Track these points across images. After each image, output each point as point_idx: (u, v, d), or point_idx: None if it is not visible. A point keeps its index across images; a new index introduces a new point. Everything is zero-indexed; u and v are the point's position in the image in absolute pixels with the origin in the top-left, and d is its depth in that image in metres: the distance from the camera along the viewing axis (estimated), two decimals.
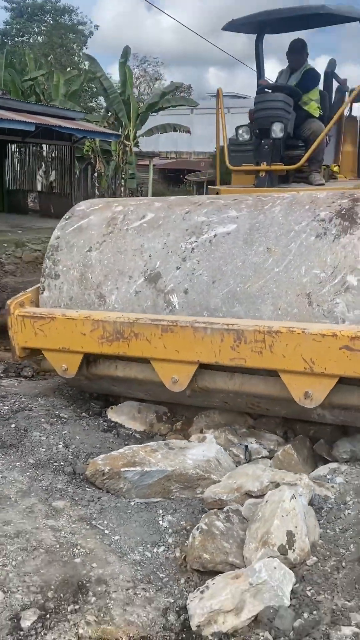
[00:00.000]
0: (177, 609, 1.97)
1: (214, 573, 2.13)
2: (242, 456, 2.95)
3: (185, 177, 29.85)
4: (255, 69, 5.55)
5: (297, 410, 2.81)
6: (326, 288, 2.65)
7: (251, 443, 3.03)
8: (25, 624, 1.76)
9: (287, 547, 2.08)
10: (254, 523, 2.21)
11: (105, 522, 2.41)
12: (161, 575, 2.16)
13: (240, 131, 4.62)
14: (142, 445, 2.87)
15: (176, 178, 31.22)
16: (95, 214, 3.40)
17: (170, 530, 2.40)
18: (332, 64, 5.31)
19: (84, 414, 3.44)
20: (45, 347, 3.12)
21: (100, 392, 3.62)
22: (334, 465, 2.82)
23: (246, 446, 2.99)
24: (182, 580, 2.14)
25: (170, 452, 2.80)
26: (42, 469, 2.75)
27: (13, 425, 3.07)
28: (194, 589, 2.06)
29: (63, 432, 3.08)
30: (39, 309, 3.20)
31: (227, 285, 2.85)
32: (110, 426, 3.32)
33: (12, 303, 3.21)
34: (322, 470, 2.77)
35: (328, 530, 2.28)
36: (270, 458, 2.96)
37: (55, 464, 2.82)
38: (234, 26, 5.28)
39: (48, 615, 1.81)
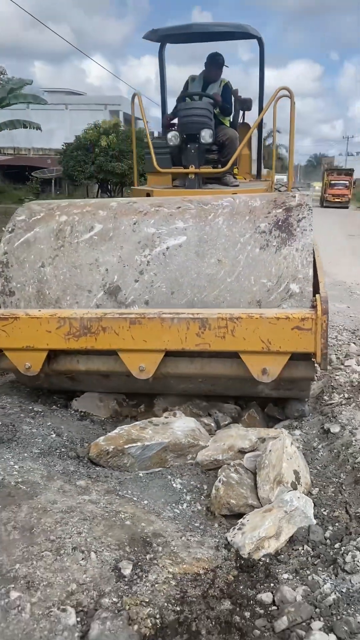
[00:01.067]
0: (223, 545, 2.33)
1: (237, 516, 2.53)
2: (212, 424, 3.36)
3: (31, 174, 28.88)
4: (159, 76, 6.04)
5: (250, 388, 3.27)
6: (273, 295, 2.98)
7: (216, 413, 3.46)
8: (126, 572, 1.98)
9: (296, 483, 2.57)
10: (262, 470, 2.66)
11: (129, 491, 2.65)
12: (196, 524, 2.49)
13: (169, 136, 4.86)
14: (131, 425, 3.11)
15: (17, 175, 30.03)
16: (39, 226, 3.39)
17: (185, 490, 2.73)
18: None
19: (54, 406, 3.53)
20: (8, 346, 3.11)
21: (57, 388, 3.67)
22: (286, 422, 3.40)
23: (215, 415, 3.41)
24: (215, 525, 2.50)
25: (158, 428, 3.10)
26: (49, 456, 2.85)
27: (0, 423, 3.07)
28: (228, 529, 2.43)
29: (48, 424, 3.17)
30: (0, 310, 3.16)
31: (185, 296, 3.07)
32: (82, 415, 3.48)
33: None
34: (281, 425, 3.33)
35: (311, 469, 2.82)
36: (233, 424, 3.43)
37: (57, 451, 2.93)
38: (156, 35, 5.55)
39: (139, 563, 2.05)
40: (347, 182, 40.74)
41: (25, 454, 2.83)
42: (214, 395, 3.55)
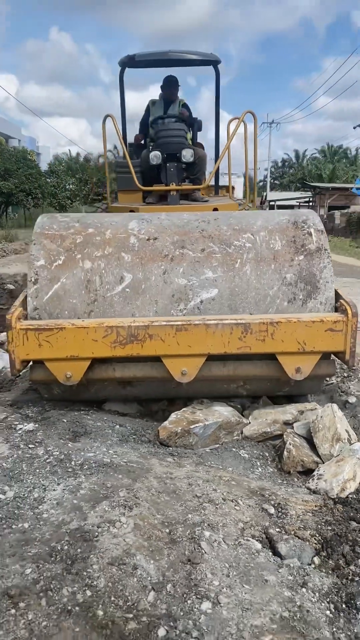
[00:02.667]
0: (311, 491, 2.80)
1: (304, 472, 3.02)
2: (239, 407, 3.79)
3: None
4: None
5: (277, 387, 3.50)
6: None
7: (234, 401, 3.88)
8: (272, 511, 2.38)
9: (350, 438, 3.13)
10: (318, 432, 3.18)
11: (212, 462, 3.02)
12: (279, 480, 2.94)
13: (152, 155, 5.12)
14: (181, 410, 3.45)
15: None
16: (65, 276, 3.24)
17: (252, 458, 3.15)
18: None
19: (88, 409, 3.63)
20: (50, 357, 3.08)
21: (86, 398, 3.63)
22: (303, 402, 3.95)
23: (236, 402, 3.84)
24: (295, 479, 2.96)
25: (204, 411, 3.47)
26: (128, 442, 3.11)
27: (65, 420, 3.23)
28: (304, 482, 2.91)
29: (104, 419, 3.38)
30: (44, 321, 3.12)
31: None
32: (119, 413, 3.67)
33: (12, 317, 3.08)
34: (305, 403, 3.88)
35: None
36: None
37: (130, 438, 3.19)
38: (133, 61, 5.82)
39: (275, 505, 2.45)
40: None
41: (108, 442, 3.06)
42: (237, 396, 3.68)
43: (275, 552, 2.10)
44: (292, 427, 3.33)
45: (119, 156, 6.62)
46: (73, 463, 2.68)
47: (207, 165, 5.86)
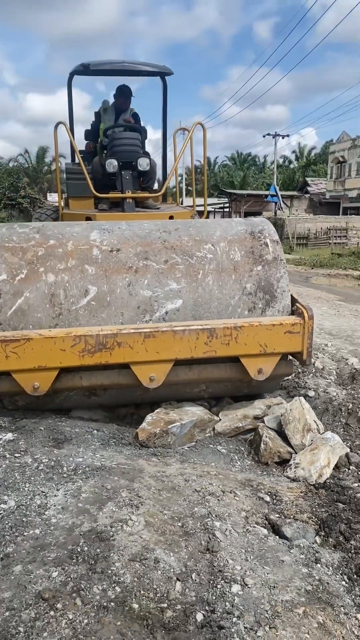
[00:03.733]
0: (290, 479, 3.00)
1: (279, 462, 3.22)
2: (207, 404, 3.93)
3: None
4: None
5: (239, 388, 3.64)
6: None
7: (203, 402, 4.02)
8: (267, 498, 2.54)
9: (318, 428, 3.37)
10: (289, 424, 3.38)
11: (195, 459, 3.14)
12: (258, 471, 3.11)
13: (107, 163, 5.11)
14: (156, 412, 3.54)
15: None
16: (28, 290, 3.18)
17: (230, 452, 3.30)
18: None
19: (60, 416, 3.61)
20: (17, 368, 3.03)
21: (52, 408, 3.59)
22: (268, 398, 4.16)
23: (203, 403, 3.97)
24: (274, 470, 3.14)
25: (177, 411, 3.58)
26: (110, 446, 3.14)
27: (42, 428, 3.20)
28: (282, 472, 3.10)
29: (80, 425, 3.39)
30: (10, 332, 3.06)
31: None
32: (92, 420, 3.68)
33: None
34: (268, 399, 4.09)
35: None
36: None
37: (111, 441, 3.23)
38: (88, 69, 5.79)
39: (270, 493, 2.61)
40: None
41: (92, 447, 3.09)
42: (200, 398, 3.76)
43: (281, 535, 2.25)
44: (263, 421, 3.52)
45: (68, 163, 6.50)
46: (65, 469, 2.68)
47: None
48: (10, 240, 3.35)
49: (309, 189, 47.77)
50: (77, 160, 5.33)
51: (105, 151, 5.61)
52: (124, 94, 5.92)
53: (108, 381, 3.30)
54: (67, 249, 3.33)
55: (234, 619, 1.70)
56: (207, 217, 5.84)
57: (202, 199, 6.22)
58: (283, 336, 3.24)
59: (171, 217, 4.99)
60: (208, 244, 3.49)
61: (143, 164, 5.19)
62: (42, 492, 2.44)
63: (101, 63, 5.95)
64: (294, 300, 3.48)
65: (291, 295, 3.51)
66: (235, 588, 1.86)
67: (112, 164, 5.12)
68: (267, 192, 36.15)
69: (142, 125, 5.93)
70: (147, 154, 5.49)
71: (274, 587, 1.87)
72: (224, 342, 3.17)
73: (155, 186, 6.11)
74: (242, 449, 3.37)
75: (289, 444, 3.31)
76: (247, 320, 3.25)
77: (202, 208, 6.16)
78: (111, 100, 6.17)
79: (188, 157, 5.64)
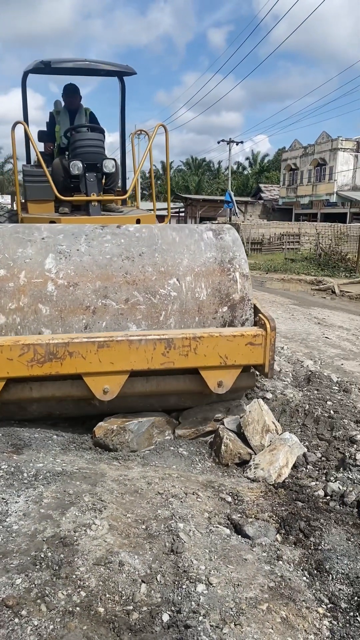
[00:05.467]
0: (250, 480, 3.06)
1: (239, 464, 3.28)
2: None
3: None
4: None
5: (199, 400, 3.52)
6: None
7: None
8: (229, 499, 2.58)
9: (277, 429, 3.45)
10: (248, 426, 3.44)
11: (156, 462, 3.15)
12: (219, 473, 3.15)
13: (71, 165, 4.94)
14: (113, 416, 3.51)
15: None
16: None
17: (191, 455, 3.33)
18: None
19: (16, 422, 3.55)
20: None
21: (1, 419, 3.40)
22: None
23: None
24: (234, 471, 3.19)
25: (133, 415, 3.54)
26: (71, 451, 3.13)
27: (0, 435, 3.15)
28: (242, 472, 3.16)
29: (39, 430, 3.35)
30: None
31: None
32: (51, 424, 3.63)
33: None
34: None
35: None
36: None
37: (72, 446, 3.21)
38: (48, 67, 5.58)
39: (232, 494, 2.65)
40: None
41: (52, 452, 3.06)
42: (157, 411, 3.60)
43: (243, 535, 2.29)
44: (223, 423, 3.56)
45: (26, 165, 6.30)
46: (26, 474, 2.65)
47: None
48: None
49: (262, 195, 48.68)
50: (33, 162, 5.20)
51: (66, 153, 5.51)
52: (72, 92, 5.79)
53: (60, 393, 3.15)
54: (18, 282, 3.10)
55: (200, 618, 1.72)
56: (170, 221, 5.85)
57: (159, 202, 6.23)
58: (244, 348, 3.14)
59: (138, 221, 4.95)
60: (173, 278, 3.30)
61: (109, 165, 5.11)
62: (2, 499, 2.40)
63: (63, 61, 5.78)
64: (256, 311, 3.37)
65: (254, 305, 3.42)
66: (200, 587, 1.88)
67: (76, 166, 5.00)
68: (222, 198, 36.60)
69: (99, 125, 5.84)
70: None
71: (238, 585, 1.91)
72: (182, 353, 3.05)
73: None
74: (203, 451, 3.41)
75: (249, 445, 3.36)
76: (207, 330, 3.14)
77: (162, 212, 6.19)
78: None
79: (146, 161, 5.61)
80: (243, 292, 3.38)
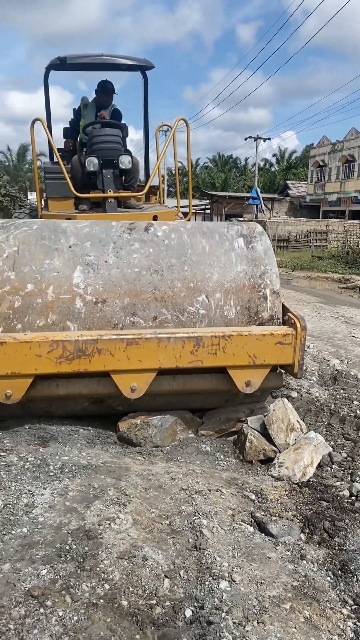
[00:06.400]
0: (274, 478, 3.04)
1: (263, 461, 3.26)
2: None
3: None
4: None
5: (226, 399, 3.49)
6: None
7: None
8: (253, 497, 2.57)
9: (302, 428, 3.42)
10: (273, 424, 3.42)
11: (180, 457, 3.15)
12: (243, 470, 3.14)
13: (87, 161, 4.92)
14: (137, 413, 3.53)
15: None
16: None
17: (215, 451, 3.33)
18: None
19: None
20: None
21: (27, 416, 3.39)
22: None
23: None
24: (259, 469, 3.18)
25: (158, 412, 3.55)
26: (96, 444, 3.16)
27: (27, 427, 3.19)
28: (268, 468, 3.15)
29: (65, 423, 3.39)
30: None
31: None
32: (77, 418, 3.67)
33: None
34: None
35: None
36: None
37: (97, 440, 3.24)
38: (65, 63, 5.61)
39: (256, 492, 2.65)
40: None
41: (78, 445, 3.09)
42: (183, 409, 3.58)
43: (267, 533, 2.28)
44: (246, 422, 3.55)
45: (47, 162, 6.34)
46: (52, 467, 2.69)
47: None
48: None
49: (289, 192, 48.22)
50: (55, 159, 5.21)
51: (84, 149, 5.48)
52: (105, 90, 5.74)
53: (86, 390, 3.14)
54: (47, 298, 3.05)
55: (223, 615, 1.73)
56: (192, 219, 5.81)
57: (184, 199, 6.19)
58: (274, 347, 3.07)
59: (155, 217, 4.93)
60: (202, 295, 3.23)
61: (125, 161, 5.05)
62: (29, 490, 2.44)
63: (78, 57, 5.76)
64: (285, 310, 3.31)
65: (283, 304, 3.35)
66: (223, 584, 1.88)
67: (92, 163, 4.96)
68: (248, 195, 36.40)
69: (122, 122, 5.77)
70: (128, 152, 5.41)
71: (261, 583, 1.90)
72: (210, 352, 3.01)
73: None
74: (227, 448, 3.40)
75: (273, 444, 3.34)
76: (236, 329, 3.09)
77: (185, 209, 6.17)
78: (91, 97, 6.11)
79: (170, 157, 5.58)
80: (273, 310, 3.29)
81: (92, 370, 2.94)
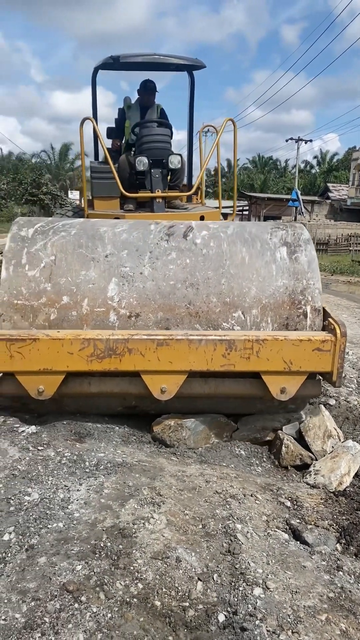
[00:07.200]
0: (310, 486, 2.99)
1: (298, 467, 3.21)
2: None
3: None
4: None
5: (259, 406, 3.41)
6: None
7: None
8: (288, 504, 2.54)
9: (339, 435, 3.36)
10: (309, 431, 3.38)
11: (213, 460, 3.14)
12: (278, 476, 3.11)
13: (137, 161, 4.97)
14: (171, 414, 3.51)
15: None
16: None
17: (249, 455, 3.30)
18: None
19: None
20: (21, 369, 2.92)
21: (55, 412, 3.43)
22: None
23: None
24: (294, 475, 3.14)
25: (191, 415, 3.53)
26: (130, 443, 3.17)
27: (65, 422, 3.23)
28: (304, 475, 3.10)
29: (101, 420, 3.41)
30: (15, 331, 2.95)
31: None
32: (110, 416, 3.69)
33: None
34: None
35: None
36: None
37: (132, 438, 3.25)
38: (117, 62, 5.65)
39: (292, 499, 2.61)
40: None
41: (113, 442, 3.11)
42: (219, 413, 3.52)
43: (302, 541, 2.25)
44: (282, 429, 3.50)
45: (94, 161, 6.40)
46: (88, 463, 2.71)
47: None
48: (19, 295, 3.05)
49: (330, 194, 47.49)
50: (101, 159, 5.26)
51: (132, 149, 5.51)
52: (148, 89, 5.75)
53: (117, 389, 3.14)
54: (81, 311, 3.07)
55: (257, 622, 1.71)
56: (235, 219, 5.77)
57: (223, 200, 6.16)
58: (311, 354, 2.96)
59: (202, 218, 4.91)
60: (238, 311, 3.15)
61: (174, 161, 5.05)
62: (65, 486, 2.47)
63: (131, 55, 5.77)
64: (325, 315, 3.19)
65: (323, 309, 3.22)
66: (257, 591, 1.86)
67: (142, 162, 4.97)
68: (287, 197, 36.02)
69: (168, 121, 5.76)
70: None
71: (296, 592, 1.87)
72: (243, 356, 2.93)
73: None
74: (261, 452, 3.37)
75: (309, 451, 3.30)
76: (271, 333, 3.00)
77: (224, 210, 6.14)
78: (133, 97, 6.14)
79: (211, 159, 5.56)
80: (312, 328, 3.16)
81: (122, 369, 2.94)
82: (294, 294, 3.17)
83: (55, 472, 2.60)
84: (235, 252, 3.26)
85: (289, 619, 1.74)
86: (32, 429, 3.08)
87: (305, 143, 40.19)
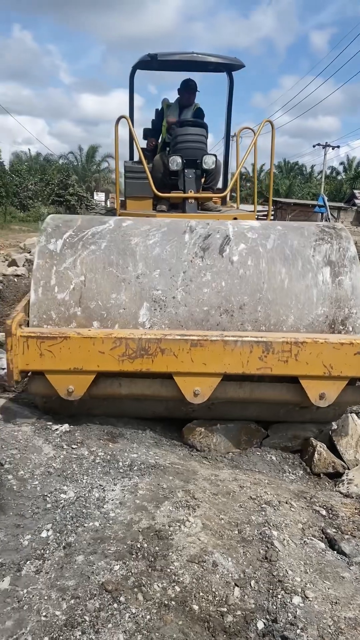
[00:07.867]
0: (343, 495, 2.95)
1: (330, 475, 3.17)
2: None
3: None
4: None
5: (296, 413, 3.29)
6: None
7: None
8: (323, 512, 2.51)
9: None
10: (342, 439, 3.34)
11: (245, 466, 3.12)
12: (310, 483, 3.07)
13: (171, 160, 4.95)
14: (201, 420, 3.49)
15: None
16: None
17: (279, 460, 3.27)
18: None
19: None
20: (51, 368, 2.85)
21: (84, 414, 3.36)
22: None
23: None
24: (327, 483, 3.10)
25: (222, 421, 3.51)
26: (162, 445, 3.17)
27: (97, 422, 3.25)
28: (336, 484, 3.06)
29: (132, 421, 3.42)
30: (46, 329, 2.90)
31: None
32: (142, 418, 3.69)
33: (12, 323, 2.79)
34: None
35: None
36: None
37: (164, 441, 3.25)
38: (155, 61, 5.64)
39: (323, 497, 2.58)
40: None
41: (145, 444, 3.11)
42: (249, 420, 3.45)
43: (339, 551, 2.22)
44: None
45: (127, 161, 6.41)
46: (121, 464, 2.72)
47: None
48: (49, 320, 2.97)
49: (356, 201, 46.96)
50: (136, 159, 5.25)
51: (167, 149, 5.46)
52: (189, 87, 5.68)
53: (149, 391, 3.05)
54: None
55: (298, 631, 1.69)
56: (270, 219, 5.73)
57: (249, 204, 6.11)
58: (353, 358, 2.82)
59: (235, 219, 4.89)
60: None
61: (209, 161, 4.98)
62: (100, 485, 2.48)
63: (169, 54, 5.73)
64: None
65: None
66: (296, 600, 1.84)
67: (175, 162, 4.93)
68: (313, 202, 35.76)
69: (205, 122, 5.70)
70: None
71: (336, 602, 1.85)
72: (281, 359, 2.81)
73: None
74: (293, 459, 3.33)
75: (341, 459, 3.26)
76: (311, 336, 2.88)
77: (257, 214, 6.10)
78: (171, 99, 6.13)
79: (230, 163, 5.51)
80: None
81: (155, 370, 2.85)
82: (334, 324, 3.03)
83: (90, 471, 2.61)
84: (274, 274, 3.08)
85: (329, 630, 1.72)
86: (66, 427, 3.10)
87: (333, 149, 39.90)
